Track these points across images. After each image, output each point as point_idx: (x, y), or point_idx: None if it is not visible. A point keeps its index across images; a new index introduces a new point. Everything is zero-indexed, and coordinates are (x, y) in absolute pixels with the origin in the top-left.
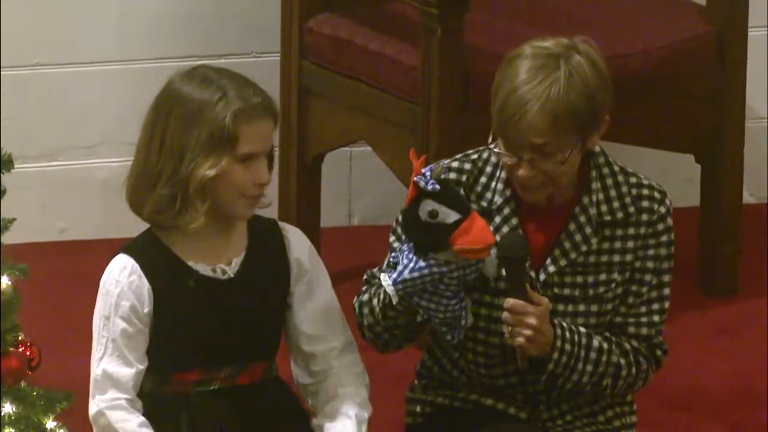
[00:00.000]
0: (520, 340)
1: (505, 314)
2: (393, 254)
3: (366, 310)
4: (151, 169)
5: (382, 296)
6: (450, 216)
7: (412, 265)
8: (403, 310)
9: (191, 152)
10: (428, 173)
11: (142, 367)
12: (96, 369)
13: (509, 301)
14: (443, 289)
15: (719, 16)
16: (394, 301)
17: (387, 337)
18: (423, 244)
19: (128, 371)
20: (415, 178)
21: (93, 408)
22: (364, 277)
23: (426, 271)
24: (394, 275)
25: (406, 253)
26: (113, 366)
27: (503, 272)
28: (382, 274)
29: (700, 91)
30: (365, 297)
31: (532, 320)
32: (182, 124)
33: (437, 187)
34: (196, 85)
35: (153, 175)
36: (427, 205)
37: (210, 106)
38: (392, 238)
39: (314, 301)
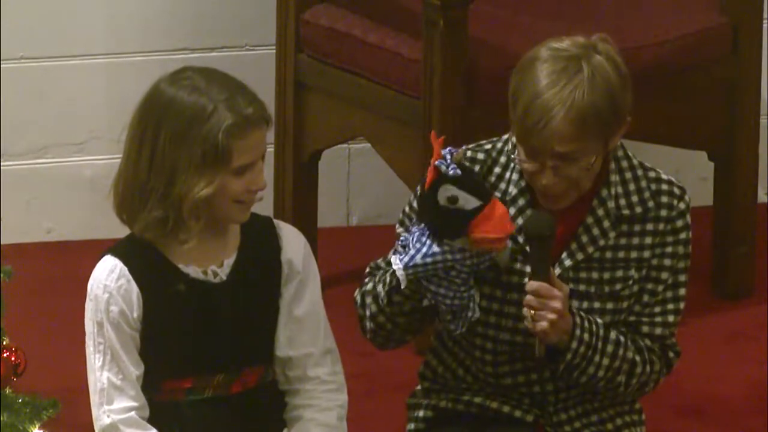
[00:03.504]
0: (544, 324)
1: (529, 297)
2: (402, 238)
3: (369, 300)
4: (140, 185)
5: (389, 280)
6: (470, 202)
7: (425, 250)
8: (409, 295)
9: (183, 172)
10: (449, 157)
11: (138, 372)
12: (100, 378)
13: (533, 284)
14: (454, 276)
15: (734, 7)
16: (403, 285)
17: (390, 327)
18: (439, 230)
19: (132, 377)
20: (436, 163)
21: (104, 419)
22: (367, 269)
23: (439, 258)
24: (406, 259)
25: (417, 235)
26: (117, 373)
27: (519, 258)
28: (393, 257)
29: (713, 86)
30: (369, 286)
31: (557, 304)
32: (172, 141)
33: (458, 172)
34: (185, 95)
35: (143, 191)
36: (447, 191)
37: (200, 122)
38: (399, 229)
39: (299, 305)
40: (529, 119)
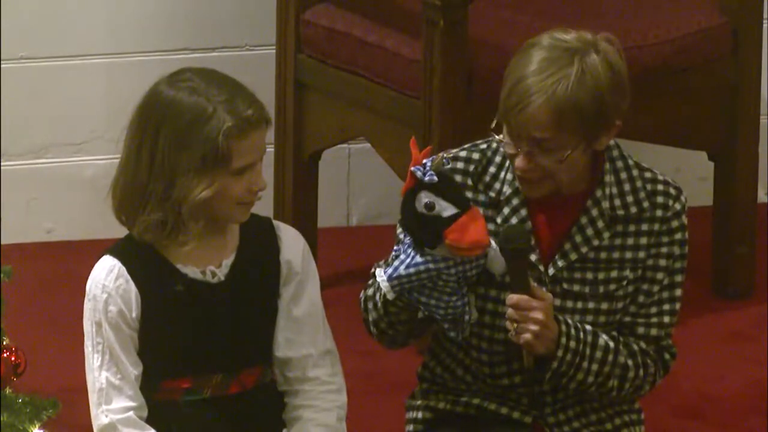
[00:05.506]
0: (527, 336)
1: (510, 311)
2: (396, 247)
3: (370, 305)
4: (139, 187)
5: (382, 293)
6: (447, 209)
7: (408, 260)
8: (403, 306)
9: (183, 174)
10: (428, 164)
11: (137, 372)
12: (99, 377)
13: (513, 297)
14: (442, 286)
15: (734, 7)
16: (390, 297)
17: (392, 333)
18: (419, 238)
19: (130, 377)
20: (412, 168)
21: (102, 419)
22: (372, 270)
23: (422, 267)
24: (390, 270)
25: (405, 246)
26: (115, 373)
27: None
28: (378, 269)
29: (713, 86)
30: (370, 291)
31: (538, 315)
32: (172, 144)
33: (435, 179)
34: (185, 97)
35: (142, 194)
36: (424, 197)
37: (199, 125)
38: (399, 230)
39: (298, 306)
40: (510, 100)
